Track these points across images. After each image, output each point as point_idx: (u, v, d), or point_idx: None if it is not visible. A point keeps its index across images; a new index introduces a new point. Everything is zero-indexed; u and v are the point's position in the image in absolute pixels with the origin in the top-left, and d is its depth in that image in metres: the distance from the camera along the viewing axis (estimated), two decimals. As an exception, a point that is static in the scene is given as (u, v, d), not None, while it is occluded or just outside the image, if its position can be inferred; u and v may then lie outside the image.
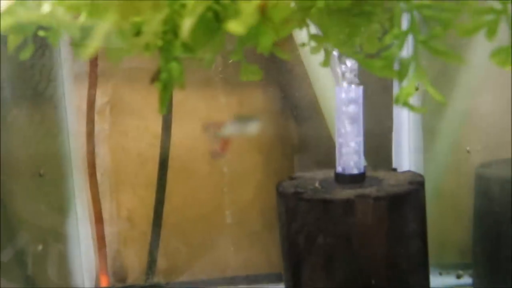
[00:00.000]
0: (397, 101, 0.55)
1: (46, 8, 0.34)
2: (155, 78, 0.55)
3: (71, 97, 1.00)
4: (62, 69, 0.96)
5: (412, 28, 0.54)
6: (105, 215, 1.06)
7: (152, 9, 0.33)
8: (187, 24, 0.38)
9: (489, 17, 0.52)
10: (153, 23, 0.32)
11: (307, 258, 0.79)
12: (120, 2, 0.31)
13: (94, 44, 0.31)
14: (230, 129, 1.01)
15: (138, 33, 0.42)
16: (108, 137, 1.05)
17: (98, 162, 1.04)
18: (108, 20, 0.31)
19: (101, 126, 1.05)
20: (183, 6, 0.41)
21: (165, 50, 0.54)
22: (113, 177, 1.05)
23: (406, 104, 0.54)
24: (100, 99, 1.04)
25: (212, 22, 0.54)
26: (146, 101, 1.05)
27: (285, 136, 1.10)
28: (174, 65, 0.55)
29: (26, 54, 0.52)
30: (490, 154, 0.92)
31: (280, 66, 1.05)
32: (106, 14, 0.31)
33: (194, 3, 0.40)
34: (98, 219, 1.03)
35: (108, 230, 1.06)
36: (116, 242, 1.07)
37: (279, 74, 1.06)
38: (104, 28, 0.31)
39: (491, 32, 0.52)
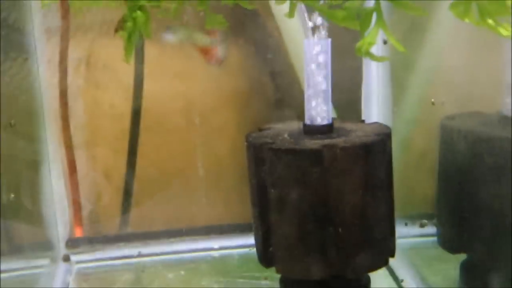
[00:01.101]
0: (358, 51, 0.56)
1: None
2: (119, 27, 0.56)
3: (43, 50, 1.00)
4: (33, 21, 0.96)
5: (374, -21, 0.56)
6: (79, 167, 1.07)
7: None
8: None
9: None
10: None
11: (275, 206, 0.80)
12: None
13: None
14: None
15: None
16: (83, 91, 1.05)
17: (71, 115, 1.04)
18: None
19: (76, 80, 1.05)
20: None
21: (130, -1, 0.55)
22: (87, 130, 1.06)
23: (367, 53, 0.56)
24: (76, 54, 1.05)
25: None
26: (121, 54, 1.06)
27: (259, 90, 1.11)
28: (139, 14, 0.55)
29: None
30: (456, 107, 0.93)
31: (254, 21, 1.05)
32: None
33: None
34: (72, 170, 1.04)
35: (82, 182, 1.07)
36: (91, 194, 1.08)
37: (253, 30, 1.07)
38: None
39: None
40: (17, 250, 0.98)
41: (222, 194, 1.11)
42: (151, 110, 1.07)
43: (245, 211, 1.07)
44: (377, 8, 0.56)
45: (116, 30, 0.56)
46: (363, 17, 0.57)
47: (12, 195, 0.90)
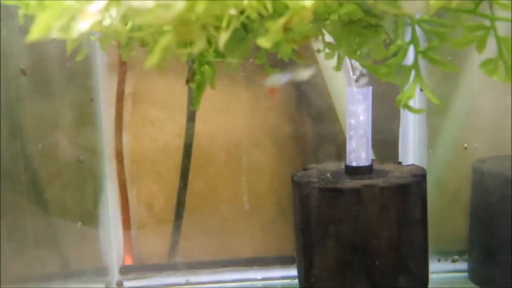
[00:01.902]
0: (398, 103, 0.63)
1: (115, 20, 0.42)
2: (190, 79, 0.64)
3: (104, 92, 1.08)
4: (97, 65, 1.04)
5: (413, 40, 0.62)
6: (131, 199, 1.13)
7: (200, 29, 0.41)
8: (223, 38, 0.46)
9: (479, 32, 0.60)
10: (201, 42, 0.41)
11: (318, 241, 0.87)
12: (176, 26, 0.39)
13: (156, 56, 0.40)
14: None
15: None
16: (138, 127, 1.12)
17: (127, 150, 1.11)
18: (167, 39, 0.40)
19: (132, 117, 1.12)
20: (219, 18, 0.48)
21: (200, 55, 0.62)
22: (140, 164, 1.12)
23: (406, 106, 0.62)
24: (130, 89, 1.12)
25: (241, 32, 0.62)
26: (171, 92, 1.12)
27: (300, 130, 1.17)
28: (207, 68, 0.63)
29: (81, 56, 0.61)
30: (488, 151, 0.98)
31: (298, 66, 1.11)
32: (167, 35, 0.39)
33: (229, 18, 0.47)
34: (124, 202, 1.11)
35: (133, 214, 1.13)
36: (142, 224, 1.15)
37: (297, 74, 1.12)
38: (162, 44, 0.40)
39: (481, 45, 0.60)
40: (74, 274, 1.05)
41: (264, 227, 1.16)
42: (200, 146, 1.13)
43: (285, 244, 1.13)
44: (416, 65, 0.62)
45: (187, 81, 0.64)
46: (403, 73, 0.63)
47: (80, 223, 0.98)
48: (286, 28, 0.46)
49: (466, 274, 1.01)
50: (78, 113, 1.02)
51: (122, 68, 1.09)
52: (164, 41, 0.40)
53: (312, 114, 1.14)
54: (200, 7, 0.37)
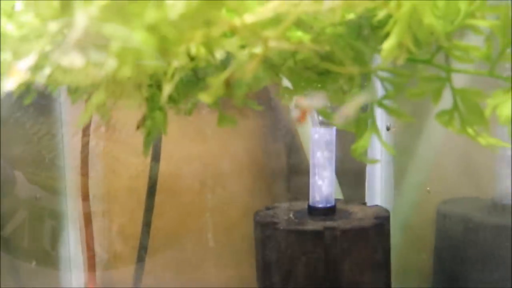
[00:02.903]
0: (353, 152, 0.62)
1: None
2: (140, 124, 0.63)
3: (69, 126, 1.07)
4: (61, 99, 1.03)
5: (368, 89, 0.62)
6: (95, 227, 1.12)
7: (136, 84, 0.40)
8: (166, 90, 0.45)
9: (435, 83, 0.59)
10: (136, 100, 0.40)
11: (279, 283, 0.86)
12: (108, 85, 0.38)
13: (88, 114, 0.39)
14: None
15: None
16: (102, 151, 1.11)
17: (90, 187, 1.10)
18: (99, 97, 0.38)
19: (97, 141, 1.11)
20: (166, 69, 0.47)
21: (151, 101, 0.61)
22: (104, 188, 1.11)
23: (360, 156, 0.61)
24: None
25: (192, 79, 0.61)
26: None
27: (273, 162, 1.16)
28: (158, 114, 0.62)
29: (28, 101, 0.60)
30: (451, 194, 0.98)
31: (271, 100, 1.10)
32: (98, 93, 0.38)
33: (175, 69, 0.46)
34: (88, 243, 1.10)
35: (98, 250, 1.12)
36: (104, 264, 1.13)
37: (270, 109, 1.12)
38: (94, 102, 0.39)
39: (436, 96, 0.59)
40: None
41: (232, 258, 1.15)
42: (167, 173, 1.11)
43: (250, 282, 1.12)
44: (371, 114, 0.62)
45: (138, 127, 0.62)
46: (358, 122, 0.63)
47: (34, 263, 0.97)
48: (227, 84, 0.45)
49: (430, 317, 1.00)
50: (39, 148, 1.01)
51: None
52: (96, 99, 0.39)
53: (285, 146, 1.14)
54: (130, 67, 0.36)
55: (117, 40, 0.34)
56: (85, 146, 1.07)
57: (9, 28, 0.45)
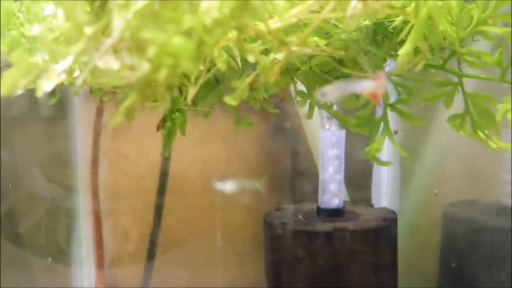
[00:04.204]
0: (366, 154, 0.64)
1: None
2: (160, 125, 0.64)
3: (81, 127, 1.08)
4: (74, 101, 1.05)
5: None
6: (105, 235, 1.13)
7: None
8: (191, 93, 0.47)
9: (447, 88, 0.61)
10: (166, 102, 0.41)
11: (288, 282, 0.87)
12: (141, 87, 0.40)
13: (121, 116, 0.40)
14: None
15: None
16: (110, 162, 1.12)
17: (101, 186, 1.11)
18: (131, 99, 0.40)
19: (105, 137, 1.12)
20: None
21: (171, 103, 0.63)
22: (115, 200, 1.12)
23: (373, 158, 0.63)
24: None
25: (212, 82, 0.63)
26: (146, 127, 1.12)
27: (278, 164, 1.17)
28: (178, 115, 0.64)
29: (53, 101, 0.62)
30: (458, 197, 0.99)
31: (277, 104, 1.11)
32: (131, 96, 0.40)
33: (198, 73, 0.48)
34: (98, 240, 1.11)
35: (107, 249, 1.13)
36: (114, 260, 1.14)
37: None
38: (127, 105, 0.40)
39: (448, 101, 0.61)
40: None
41: (239, 258, 1.17)
42: (177, 173, 1.13)
43: (260, 278, 1.13)
44: (384, 118, 0.63)
45: (158, 128, 0.64)
46: (371, 125, 0.64)
47: (50, 259, 0.99)
48: (252, 88, 0.47)
49: (435, 316, 1.02)
50: (55, 147, 1.03)
51: (99, 105, 1.10)
52: (129, 101, 0.40)
53: (290, 149, 1.15)
54: (165, 70, 0.37)
55: (155, 44, 0.36)
56: (95, 146, 1.09)
57: (39, 30, 0.47)
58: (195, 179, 1.13)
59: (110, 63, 0.39)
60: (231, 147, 1.15)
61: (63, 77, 0.40)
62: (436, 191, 1.01)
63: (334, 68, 0.64)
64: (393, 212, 0.91)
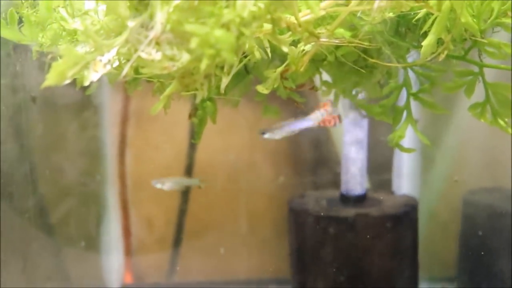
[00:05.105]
0: (390, 142, 0.66)
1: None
2: (192, 114, 0.67)
3: (109, 116, 1.11)
4: (103, 91, 1.08)
5: (405, 82, 0.66)
6: (133, 221, 1.16)
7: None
8: (224, 82, 0.49)
9: (468, 78, 0.63)
10: (204, 90, 0.44)
11: (311, 267, 0.90)
12: (181, 76, 0.42)
13: (162, 104, 0.43)
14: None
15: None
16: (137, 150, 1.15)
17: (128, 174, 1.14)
18: (172, 88, 0.43)
19: (133, 131, 1.15)
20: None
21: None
22: (142, 188, 1.15)
23: (397, 145, 0.65)
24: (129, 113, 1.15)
25: (242, 72, 0.66)
26: (173, 116, 1.14)
27: (299, 153, 1.19)
28: (209, 104, 0.67)
29: (90, 91, 0.64)
30: (478, 184, 1.01)
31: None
32: (172, 85, 0.42)
33: (232, 62, 0.51)
34: (126, 226, 1.14)
35: (134, 235, 1.16)
36: (141, 246, 1.17)
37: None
38: (168, 93, 0.43)
39: (469, 90, 0.63)
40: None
41: (263, 243, 1.19)
42: (203, 161, 1.15)
43: (282, 265, 1.16)
44: (407, 106, 0.66)
45: (190, 117, 0.67)
46: (395, 114, 0.67)
47: (83, 243, 1.02)
48: (283, 77, 0.49)
49: (454, 300, 1.04)
50: (84, 137, 1.06)
51: (126, 94, 1.12)
52: (170, 90, 0.43)
53: (310, 139, 1.17)
54: (206, 60, 0.40)
55: (198, 36, 0.38)
56: (123, 135, 1.12)
57: (81, 24, 0.49)
58: (220, 167, 1.15)
59: (153, 54, 0.42)
60: (255, 136, 1.17)
61: (108, 68, 0.43)
62: (456, 178, 1.03)
63: (358, 60, 0.67)
64: (414, 199, 0.93)
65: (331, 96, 0.73)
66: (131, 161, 1.14)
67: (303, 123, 0.71)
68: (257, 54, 0.48)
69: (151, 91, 0.80)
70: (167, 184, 0.99)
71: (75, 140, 1.06)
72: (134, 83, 0.65)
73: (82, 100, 1.05)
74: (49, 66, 0.44)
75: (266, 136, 0.72)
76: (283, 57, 0.60)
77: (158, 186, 0.99)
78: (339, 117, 0.77)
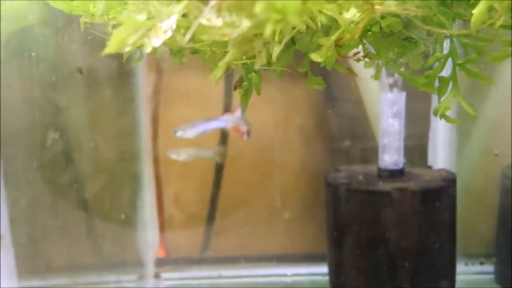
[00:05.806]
0: (435, 113, 0.66)
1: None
2: (238, 85, 0.67)
3: (143, 92, 1.12)
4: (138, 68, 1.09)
5: (451, 52, 0.65)
6: (167, 197, 1.17)
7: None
8: (276, 51, 0.50)
9: (516, 47, 0.62)
10: (262, 57, 0.44)
11: (349, 240, 0.90)
12: (240, 43, 0.43)
13: (221, 71, 0.43)
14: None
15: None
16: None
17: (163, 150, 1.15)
18: (231, 55, 0.43)
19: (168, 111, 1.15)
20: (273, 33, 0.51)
21: (248, 64, 0.66)
22: (176, 164, 1.16)
23: (443, 116, 0.65)
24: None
25: (288, 42, 0.65)
26: (206, 92, 1.15)
27: (328, 129, 1.19)
28: (254, 75, 0.67)
29: (137, 62, 0.65)
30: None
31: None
32: (231, 52, 0.43)
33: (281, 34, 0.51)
34: (160, 201, 1.15)
35: (168, 210, 1.17)
36: (175, 221, 1.18)
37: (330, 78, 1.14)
38: (227, 60, 0.43)
39: (517, 60, 0.63)
40: (113, 265, 1.10)
41: (294, 224, 1.19)
42: (234, 145, 1.15)
43: (314, 242, 1.16)
44: (453, 77, 0.65)
45: (235, 88, 0.67)
46: (440, 85, 0.66)
47: (123, 216, 1.04)
48: (337, 45, 0.49)
49: (492, 276, 1.04)
50: (121, 113, 1.06)
51: (159, 69, 1.13)
52: (229, 57, 0.43)
53: (341, 114, 1.17)
54: (268, 27, 0.40)
55: (263, 0, 0.38)
56: (156, 110, 1.12)
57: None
58: (253, 143, 1.15)
59: (213, 21, 0.42)
60: (289, 111, 1.17)
61: (169, 34, 0.43)
62: (496, 151, 1.02)
63: (403, 30, 0.66)
64: (453, 173, 0.93)
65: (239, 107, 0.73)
66: (164, 138, 1.15)
67: (215, 123, 0.73)
68: (301, 25, 0.48)
69: (185, 67, 0.81)
70: (182, 155, 1.00)
71: (111, 115, 1.07)
72: (179, 54, 0.65)
73: (120, 76, 1.05)
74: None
75: (178, 134, 0.74)
76: (327, 27, 0.60)
77: (173, 156, 1.00)
78: (248, 132, 0.79)
